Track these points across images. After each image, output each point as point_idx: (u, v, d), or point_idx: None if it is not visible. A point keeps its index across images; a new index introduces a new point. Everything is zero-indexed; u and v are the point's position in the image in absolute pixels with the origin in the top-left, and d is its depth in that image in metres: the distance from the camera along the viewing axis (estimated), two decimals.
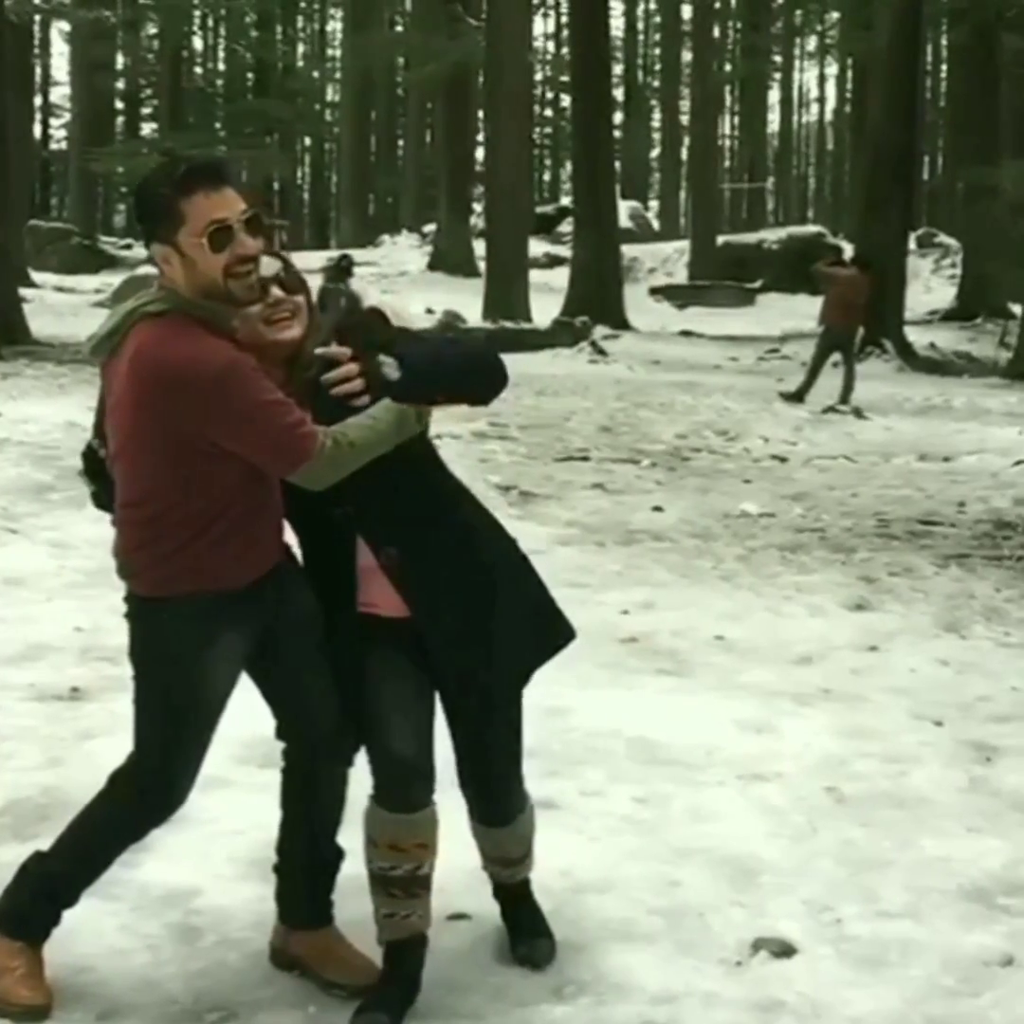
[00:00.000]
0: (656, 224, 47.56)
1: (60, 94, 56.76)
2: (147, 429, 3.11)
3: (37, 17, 48.16)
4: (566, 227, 36.53)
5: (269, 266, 3.22)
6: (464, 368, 3.24)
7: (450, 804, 3.48)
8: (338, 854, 3.58)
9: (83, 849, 3.42)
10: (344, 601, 3.41)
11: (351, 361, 3.09)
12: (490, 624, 3.40)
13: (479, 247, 31.75)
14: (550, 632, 3.55)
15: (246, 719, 3.89)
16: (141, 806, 3.38)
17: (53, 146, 57.25)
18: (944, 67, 50.00)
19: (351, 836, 3.49)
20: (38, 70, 56.54)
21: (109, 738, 3.44)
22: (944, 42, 47.61)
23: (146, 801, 3.37)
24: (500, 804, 3.53)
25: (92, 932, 3.64)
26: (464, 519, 3.45)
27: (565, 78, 48.53)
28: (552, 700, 5.44)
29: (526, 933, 3.67)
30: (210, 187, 3.08)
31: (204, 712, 3.32)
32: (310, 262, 19.48)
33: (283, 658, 3.40)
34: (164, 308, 3.13)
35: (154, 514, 3.19)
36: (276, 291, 3.23)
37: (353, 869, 3.52)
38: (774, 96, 62.69)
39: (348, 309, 3.52)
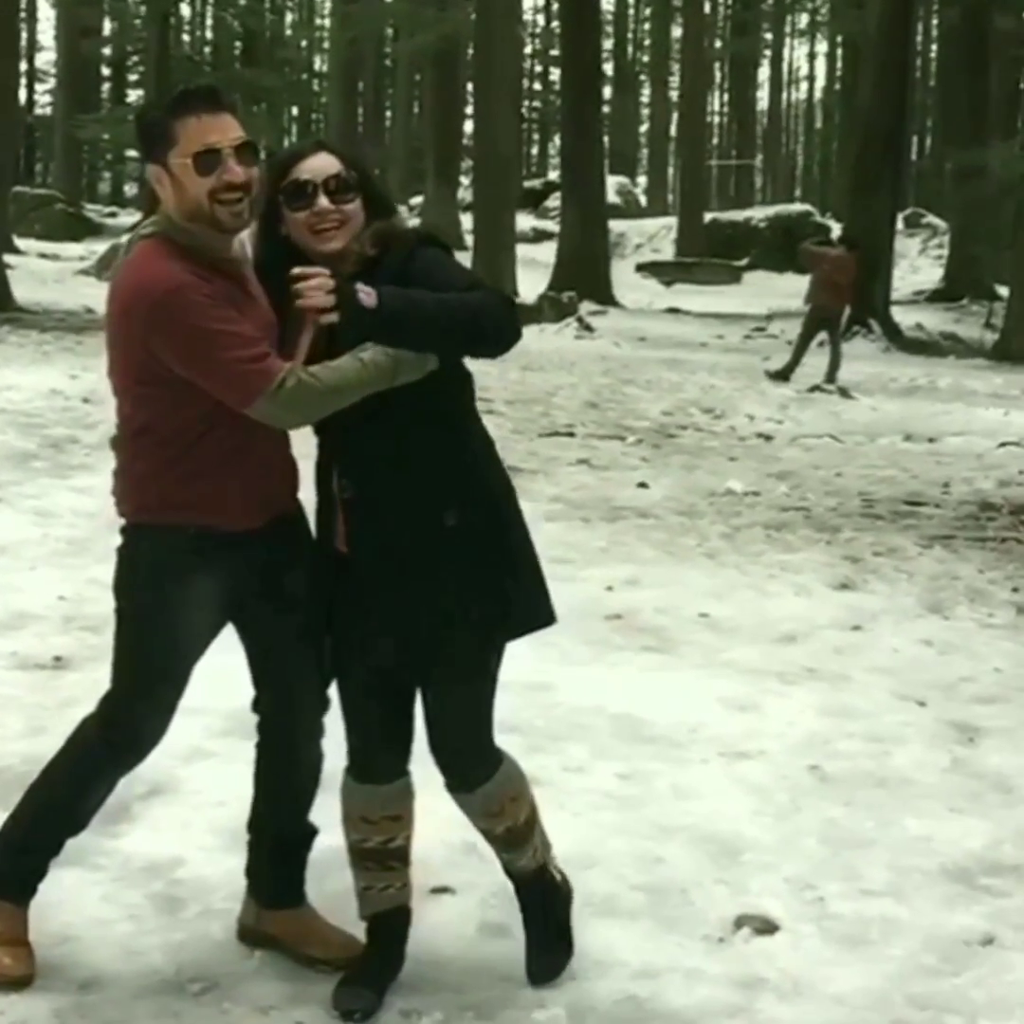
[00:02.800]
0: (643, 200, 47.44)
1: (45, 59, 56.38)
2: (118, 349, 3.18)
3: None
4: (554, 201, 36.42)
5: (318, 172, 3.15)
6: (443, 322, 3.06)
7: (428, 776, 3.44)
8: (311, 831, 3.56)
9: (50, 792, 3.38)
10: (323, 540, 3.34)
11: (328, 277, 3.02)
12: (426, 588, 3.22)
13: (466, 220, 31.67)
14: (521, 611, 3.34)
15: (229, 690, 3.88)
16: (105, 744, 3.34)
17: (38, 112, 56.84)
18: (934, 47, 49.91)
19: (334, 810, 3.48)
20: (24, 35, 56.15)
21: (92, 707, 3.41)
22: (935, 22, 47.59)
23: (109, 738, 3.33)
24: (455, 772, 3.38)
25: (74, 902, 3.63)
26: (450, 479, 3.24)
27: (555, 52, 48.36)
28: (536, 676, 5.45)
29: (530, 942, 3.52)
30: (205, 111, 3.08)
31: (170, 650, 3.27)
32: None
33: (262, 631, 3.38)
34: (153, 231, 3.17)
35: (130, 435, 3.25)
36: (322, 200, 3.14)
37: (336, 842, 3.51)
38: (764, 73, 62.54)
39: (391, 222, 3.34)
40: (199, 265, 3.11)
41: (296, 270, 3.06)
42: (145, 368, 3.12)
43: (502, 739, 3.42)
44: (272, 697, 3.46)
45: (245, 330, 3.08)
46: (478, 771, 3.38)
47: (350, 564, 3.27)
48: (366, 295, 3.00)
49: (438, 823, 3.59)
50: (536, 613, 3.39)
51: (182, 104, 3.09)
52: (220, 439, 3.17)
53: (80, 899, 3.66)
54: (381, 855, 3.40)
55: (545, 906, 3.53)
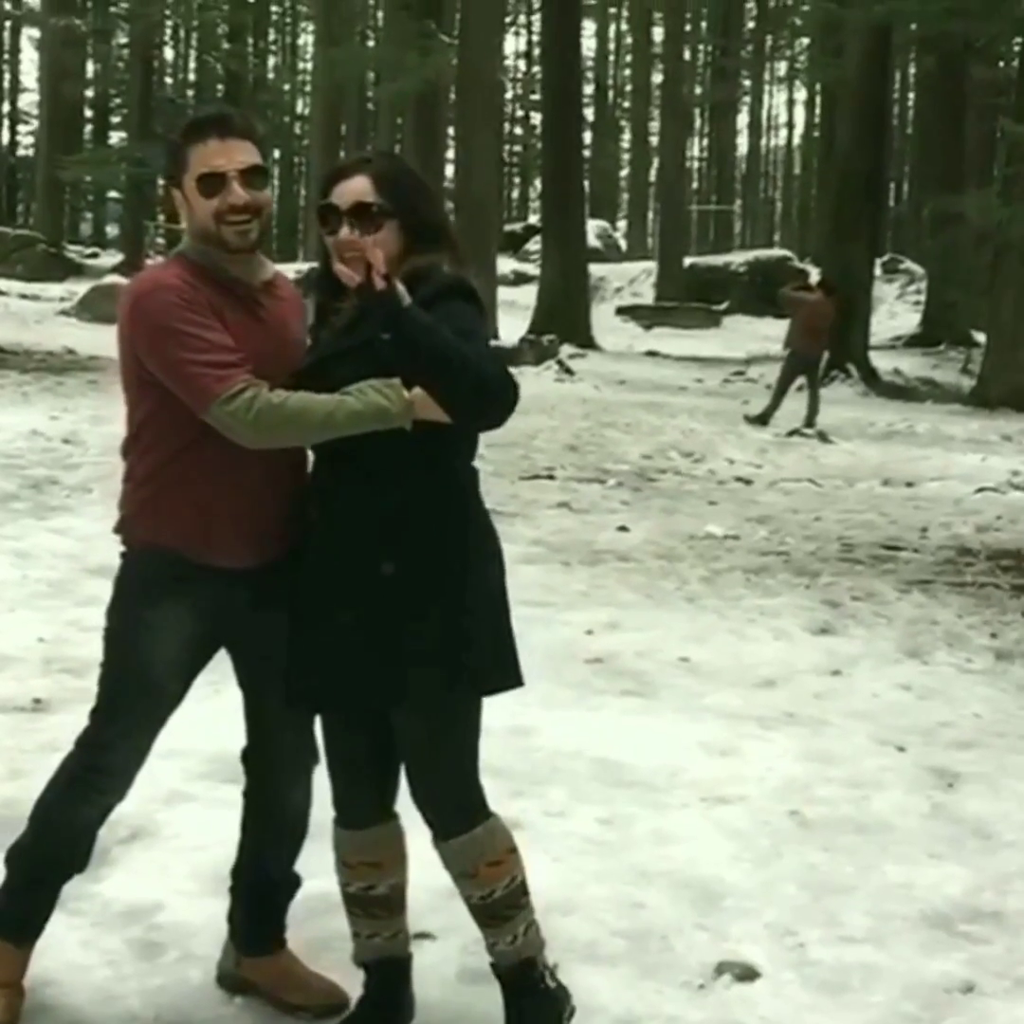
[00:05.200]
0: (624, 244, 47.74)
1: (28, 101, 56.54)
2: (120, 351, 3.28)
3: (7, 23, 48.06)
4: (534, 245, 36.64)
5: (347, 198, 3.15)
6: (451, 357, 2.99)
7: (415, 820, 3.41)
8: (294, 881, 3.55)
9: (38, 824, 3.36)
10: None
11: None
12: (349, 629, 3.14)
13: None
14: (483, 672, 3.21)
15: (208, 734, 3.89)
16: (81, 766, 3.32)
17: (20, 153, 56.97)
18: (911, 95, 50.40)
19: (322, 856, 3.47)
20: (6, 77, 56.37)
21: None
22: (912, 70, 48.05)
23: (83, 760, 3.32)
24: (426, 817, 3.30)
25: (53, 947, 3.60)
26: (395, 530, 3.12)
27: (536, 96, 48.67)
28: (516, 719, 5.44)
29: None
30: (214, 136, 3.18)
31: (141, 674, 3.25)
32: None
33: (247, 674, 3.39)
34: (177, 251, 3.30)
35: (130, 438, 3.32)
36: (344, 230, 3.13)
37: (318, 887, 3.50)
38: (743, 119, 63.00)
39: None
40: (207, 282, 3.19)
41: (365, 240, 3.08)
42: (134, 369, 3.22)
43: (483, 783, 3.40)
44: (254, 742, 3.45)
45: (215, 338, 3.12)
46: (453, 820, 3.28)
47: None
48: (403, 294, 3.01)
49: (420, 867, 3.57)
50: (511, 675, 3.28)
51: (194, 130, 3.21)
52: (209, 458, 3.17)
53: (59, 944, 3.63)
54: (363, 901, 3.37)
55: (522, 1012, 3.34)
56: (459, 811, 3.29)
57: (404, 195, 3.16)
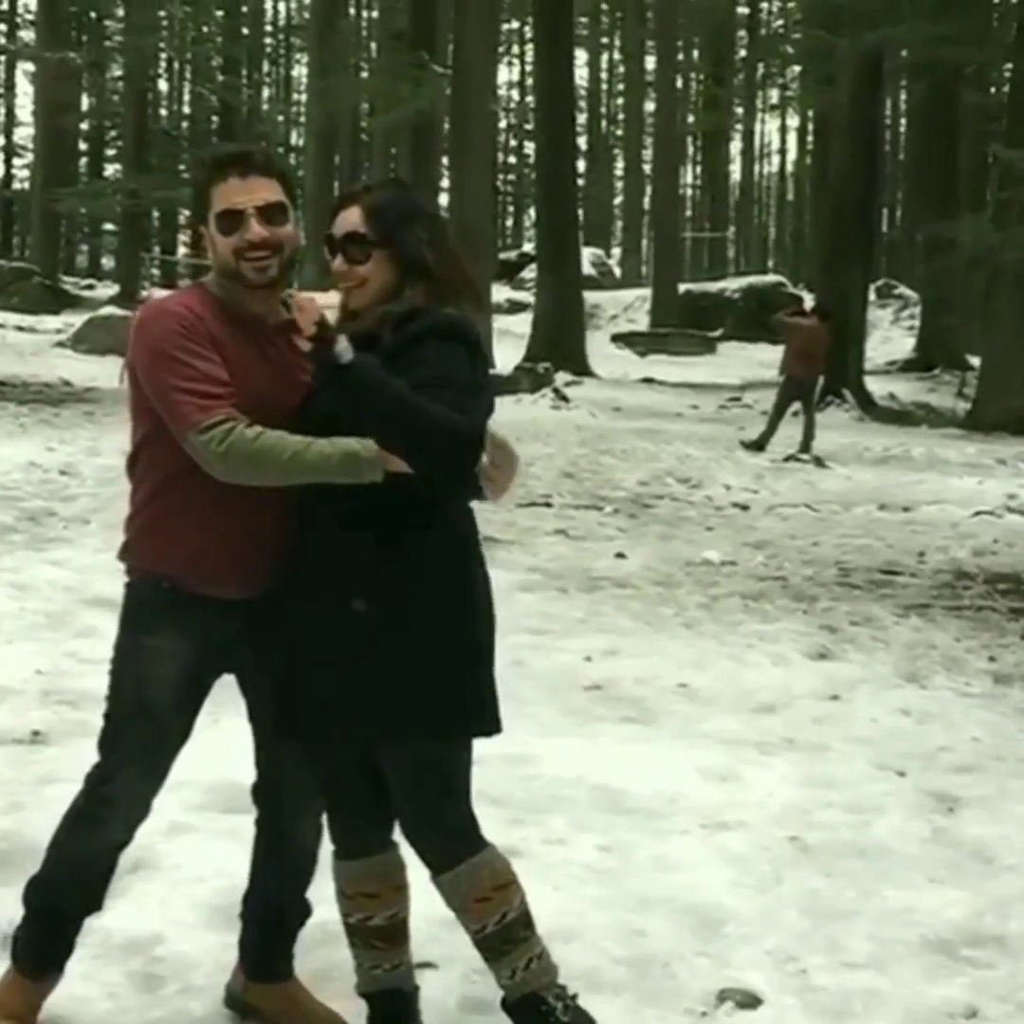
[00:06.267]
0: (618, 271, 47.80)
1: (23, 134, 56.65)
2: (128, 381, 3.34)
3: (2, 58, 48.23)
4: (529, 273, 36.72)
5: (341, 228, 3.19)
6: (392, 414, 2.96)
7: (412, 853, 3.40)
8: (304, 910, 3.55)
9: (54, 855, 3.37)
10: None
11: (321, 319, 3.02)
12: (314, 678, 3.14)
13: None
14: (458, 715, 3.19)
15: (207, 764, 3.88)
16: (83, 794, 3.33)
17: (16, 186, 57.10)
18: (904, 121, 50.56)
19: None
20: (2, 110, 56.51)
21: (71, 783, 3.40)
22: (903, 97, 48.25)
23: (86, 788, 3.33)
24: (415, 849, 3.30)
25: None
26: (366, 569, 3.10)
27: (529, 126, 48.85)
28: (515, 747, 5.43)
29: None
30: (235, 174, 3.22)
31: (138, 702, 3.26)
32: None
33: (250, 706, 3.40)
34: (200, 280, 3.37)
35: (133, 457, 3.37)
36: (337, 260, 3.18)
37: (325, 916, 3.49)
38: (736, 147, 63.13)
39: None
40: (219, 315, 3.23)
41: (302, 294, 3.13)
42: (136, 392, 3.27)
43: (482, 811, 3.40)
44: (262, 774, 3.46)
45: (206, 369, 3.14)
46: (437, 856, 3.26)
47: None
48: (344, 351, 2.99)
49: (420, 896, 3.56)
50: (489, 721, 3.25)
51: (215, 168, 3.26)
52: (200, 487, 3.17)
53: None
54: (362, 932, 3.36)
55: None
56: (443, 847, 3.26)
57: (389, 226, 3.15)
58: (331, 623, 3.13)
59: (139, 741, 3.29)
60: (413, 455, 2.99)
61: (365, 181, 3.40)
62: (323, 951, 3.54)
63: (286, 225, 3.25)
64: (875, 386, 26.44)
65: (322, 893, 3.44)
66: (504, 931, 3.27)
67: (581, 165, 46.17)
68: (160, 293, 3.39)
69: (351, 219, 3.17)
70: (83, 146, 52.14)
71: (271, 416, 3.12)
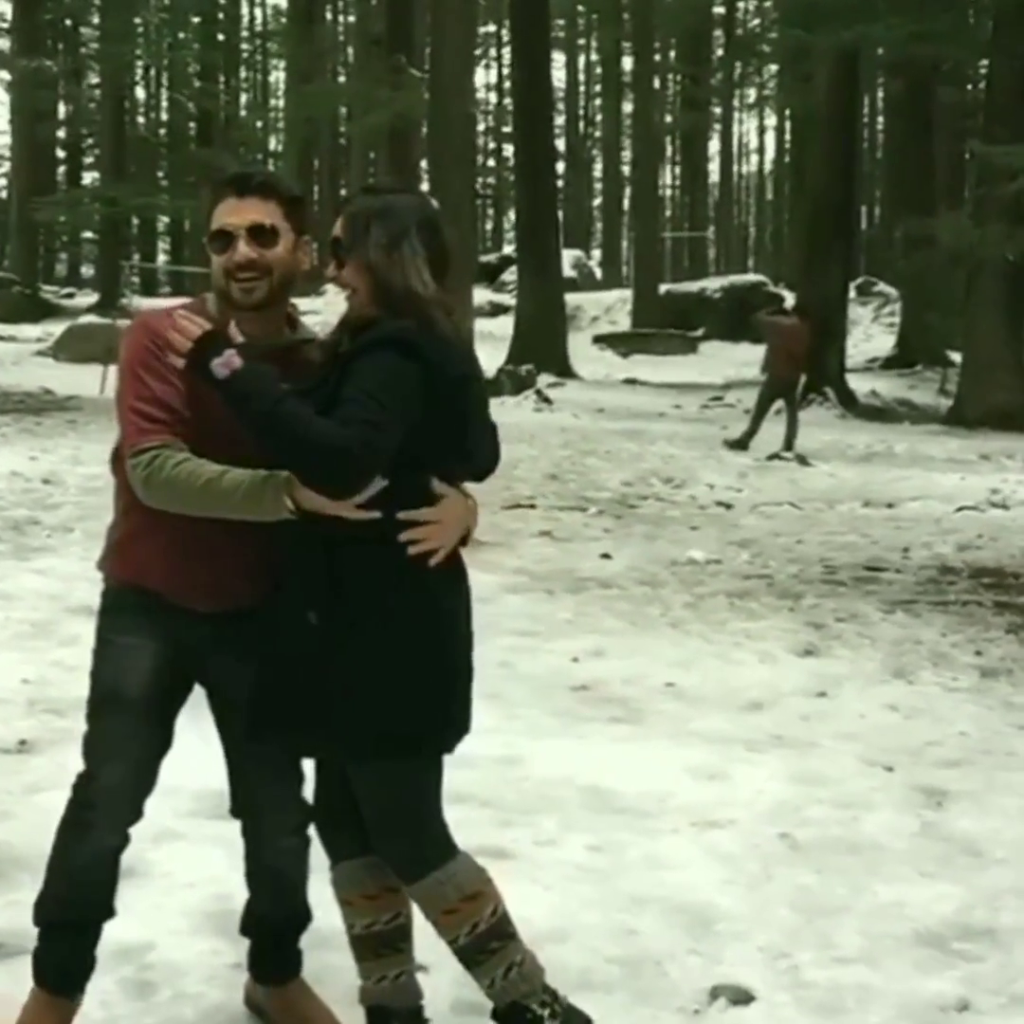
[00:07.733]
0: (599, 273, 47.82)
1: (0, 142, 56.60)
2: None
3: None
4: (509, 276, 36.68)
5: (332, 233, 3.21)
6: (269, 426, 2.91)
7: None
8: (303, 916, 3.54)
9: (51, 869, 3.36)
10: None
11: (208, 333, 3.00)
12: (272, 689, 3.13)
13: None
14: (418, 733, 3.13)
15: (194, 771, 3.87)
16: (70, 800, 3.32)
17: None
18: (881, 119, 50.74)
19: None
20: None
21: (58, 792, 3.38)
22: (880, 95, 48.40)
23: (72, 794, 3.32)
24: (384, 859, 3.26)
25: None
26: (322, 583, 3.07)
27: (508, 129, 48.88)
28: (504, 749, 5.44)
29: None
30: (233, 194, 3.23)
31: (112, 699, 3.26)
32: None
33: (219, 720, 3.39)
34: (205, 296, 3.36)
35: (112, 473, 3.38)
36: (331, 267, 3.18)
37: (331, 919, 3.48)
38: (714, 146, 63.29)
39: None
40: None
41: (181, 312, 3.12)
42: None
43: (472, 813, 3.40)
44: (233, 792, 3.46)
45: (159, 391, 3.14)
46: (401, 868, 3.23)
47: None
48: (222, 366, 2.95)
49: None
50: (446, 740, 3.20)
51: (219, 188, 3.29)
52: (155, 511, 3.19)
53: None
54: (352, 941, 3.35)
55: None
56: (407, 860, 3.23)
57: (356, 233, 3.13)
58: (290, 634, 3.11)
59: (113, 732, 3.28)
60: (292, 469, 2.96)
61: (367, 185, 3.37)
62: (316, 955, 3.53)
63: (276, 248, 3.21)
64: (857, 383, 26.51)
65: (316, 897, 3.43)
66: (477, 942, 3.23)
67: (560, 167, 46.25)
68: (167, 303, 3.36)
69: (336, 226, 3.18)
70: (61, 154, 52.02)
71: (237, 442, 3.03)
